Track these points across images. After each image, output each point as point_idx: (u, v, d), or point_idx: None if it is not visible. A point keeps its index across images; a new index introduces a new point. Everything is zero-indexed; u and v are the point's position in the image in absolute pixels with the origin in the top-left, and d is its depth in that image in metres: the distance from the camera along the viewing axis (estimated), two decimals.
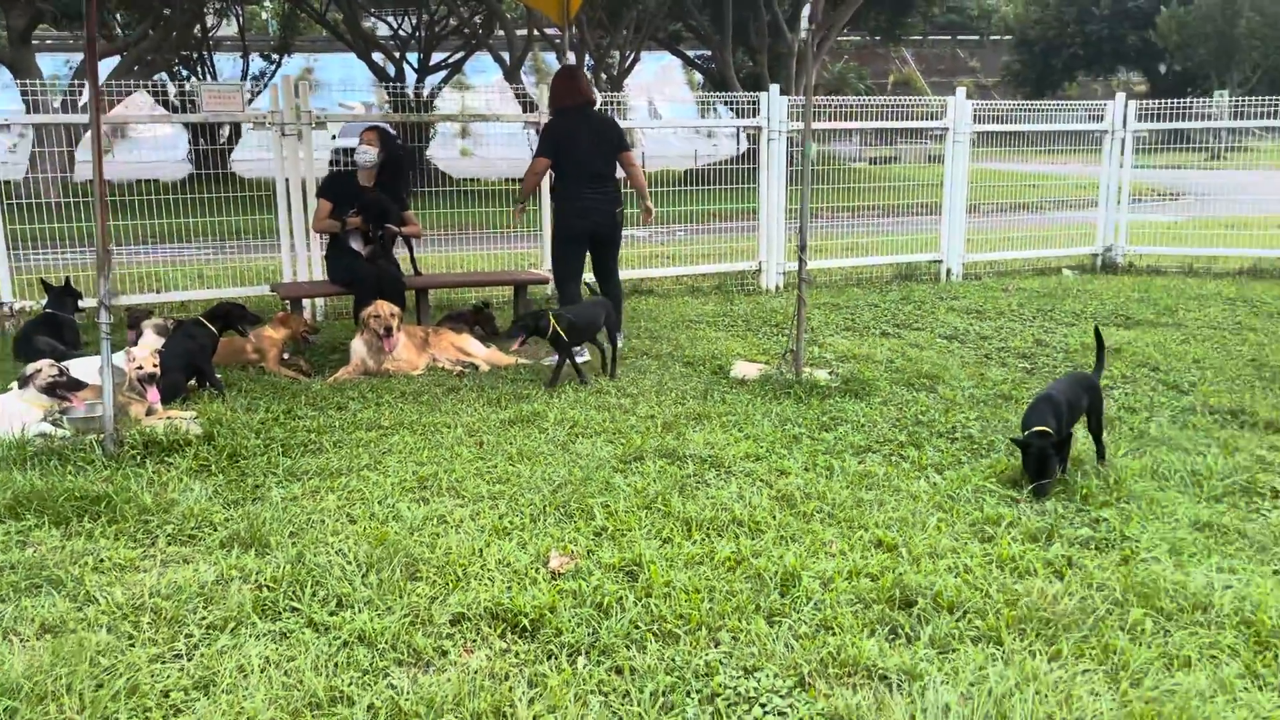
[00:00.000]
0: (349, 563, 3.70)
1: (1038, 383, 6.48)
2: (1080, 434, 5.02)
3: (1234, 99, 12.98)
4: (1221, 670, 3.01)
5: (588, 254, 7.41)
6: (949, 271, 10.91)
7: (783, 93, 10.14)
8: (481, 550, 3.84)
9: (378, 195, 7.69)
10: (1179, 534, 4.03)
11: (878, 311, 9.01)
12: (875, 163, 14.77)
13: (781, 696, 2.88)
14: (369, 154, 7.70)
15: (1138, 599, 3.44)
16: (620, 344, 7.16)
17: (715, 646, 3.16)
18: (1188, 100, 12.14)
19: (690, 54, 38.25)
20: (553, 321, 6.38)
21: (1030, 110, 12.15)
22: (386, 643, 3.15)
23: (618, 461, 4.92)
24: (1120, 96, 11.50)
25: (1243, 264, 11.33)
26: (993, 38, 61.17)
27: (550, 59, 38.89)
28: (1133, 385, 6.50)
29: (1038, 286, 10.31)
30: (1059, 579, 3.63)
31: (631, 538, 3.95)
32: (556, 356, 6.53)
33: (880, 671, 3.00)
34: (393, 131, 8.44)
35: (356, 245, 7.67)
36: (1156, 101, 11.83)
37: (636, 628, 3.24)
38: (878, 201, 11.89)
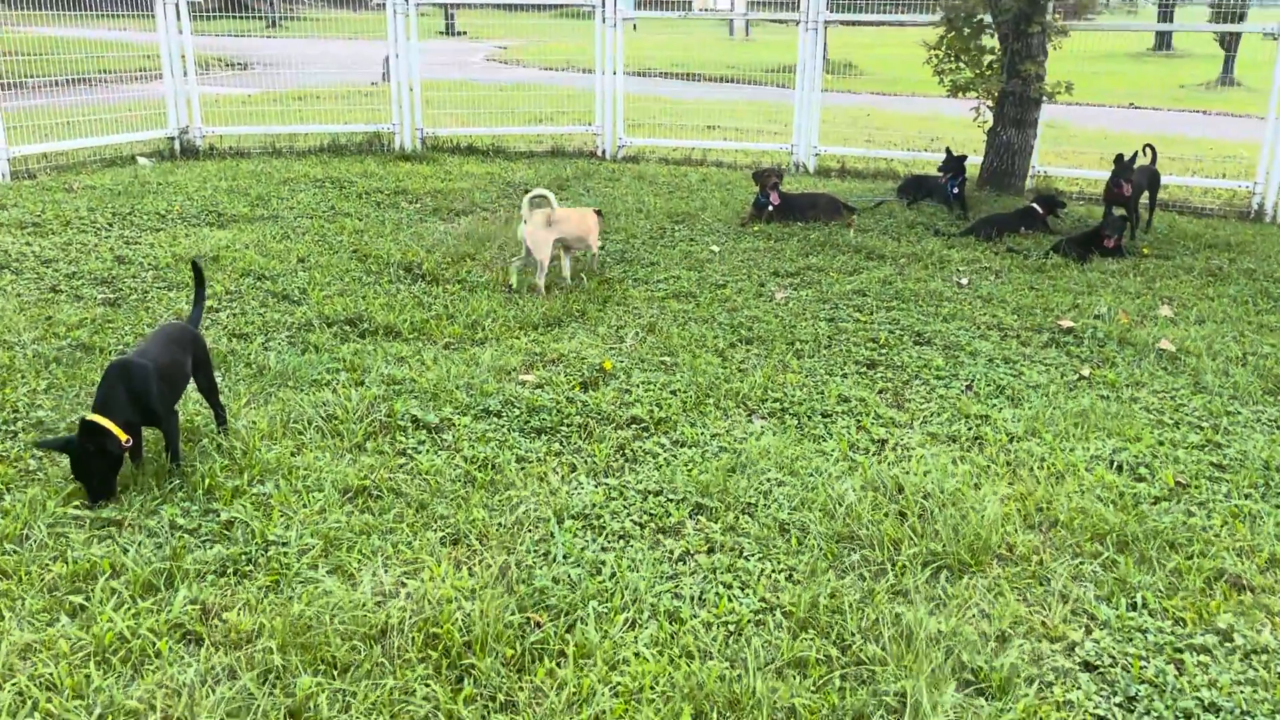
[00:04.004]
0: None
1: (126, 319, 5.14)
2: (194, 398, 3.94)
3: None
4: None
5: None
6: None
7: None
8: None
9: None
10: (331, 518, 3.24)
11: None
12: None
13: None
14: None
15: (306, 665, 2.54)
16: None
17: None
18: None
19: None
20: None
21: None
22: None
23: None
24: None
25: (322, 140, 11.05)
26: None
27: None
28: (240, 302, 5.56)
29: (110, 182, 8.62)
30: (188, 655, 2.55)
31: None
32: None
33: None
34: None
35: None
36: None
37: None
38: None
